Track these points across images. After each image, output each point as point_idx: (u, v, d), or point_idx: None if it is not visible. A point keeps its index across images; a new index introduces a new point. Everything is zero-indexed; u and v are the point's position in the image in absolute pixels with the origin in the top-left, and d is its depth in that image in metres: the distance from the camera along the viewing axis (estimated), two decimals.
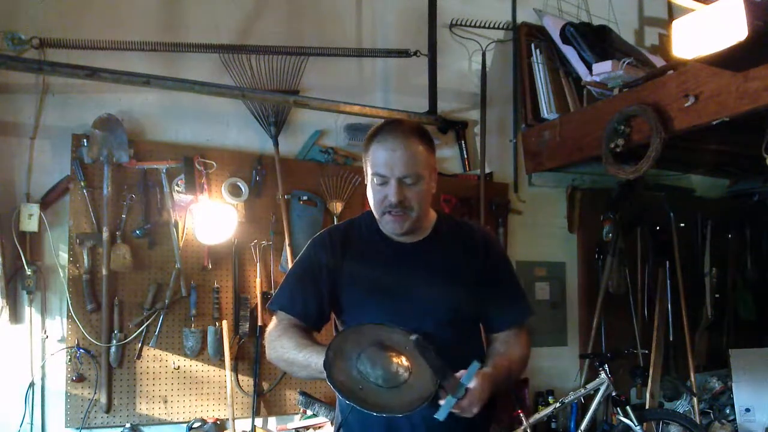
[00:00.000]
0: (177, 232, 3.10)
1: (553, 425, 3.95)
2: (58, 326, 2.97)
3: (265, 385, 3.30)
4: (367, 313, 1.69)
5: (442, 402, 1.51)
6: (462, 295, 1.74)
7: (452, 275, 1.75)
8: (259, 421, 3.27)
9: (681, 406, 4.23)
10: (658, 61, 4.01)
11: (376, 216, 1.73)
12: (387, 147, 1.65)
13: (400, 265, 1.74)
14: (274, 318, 1.78)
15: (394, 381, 1.51)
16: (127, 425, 3.00)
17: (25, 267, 2.88)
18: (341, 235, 1.79)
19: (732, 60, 2.44)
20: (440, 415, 1.49)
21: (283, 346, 1.66)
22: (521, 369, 1.80)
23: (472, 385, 1.52)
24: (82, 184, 2.98)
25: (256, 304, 3.27)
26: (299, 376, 1.67)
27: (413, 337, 1.51)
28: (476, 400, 1.53)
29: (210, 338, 3.15)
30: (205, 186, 3.20)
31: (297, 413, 3.34)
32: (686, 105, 2.98)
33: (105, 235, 2.96)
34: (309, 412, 3.29)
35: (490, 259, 1.82)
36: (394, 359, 1.54)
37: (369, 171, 1.70)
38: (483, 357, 1.74)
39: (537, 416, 3.61)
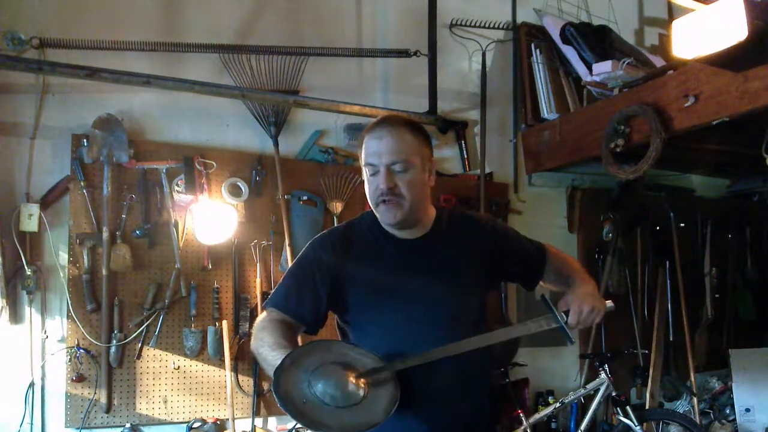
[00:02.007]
0: (177, 232, 3.10)
1: (553, 425, 3.95)
2: (58, 326, 2.97)
3: (265, 385, 3.29)
4: (371, 312, 1.70)
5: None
6: (462, 289, 1.75)
7: (456, 269, 1.75)
8: (259, 421, 3.27)
9: (681, 406, 4.23)
10: (658, 61, 4.01)
11: (373, 208, 1.74)
12: (374, 136, 1.68)
13: (402, 262, 1.73)
14: (264, 311, 1.77)
15: (343, 401, 1.46)
16: (127, 425, 3.00)
17: (25, 267, 2.88)
18: (341, 235, 1.79)
19: (732, 60, 2.44)
20: (568, 341, 1.71)
21: (262, 338, 1.65)
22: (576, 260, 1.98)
23: (573, 308, 1.68)
24: (82, 184, 2.98)
25: (256, 304, 3.27)
26: (268, 374, 1.63)
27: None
28: (578, 311, 1.68)
29: (210, 338, 3.15)
30: (205, 186, 3.20)
31: None
32: (686, 105, 2.98)
33: (105, 235, 2.96)
34: None
35: (501, 240, 1.85)
36: (351, 380, 1.49)
37: (362, 164, 1.73)
38: (487, 350, 1.76)
39: (537, 416, 3.61)
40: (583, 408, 3.84)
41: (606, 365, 3.55)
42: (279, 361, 1.50)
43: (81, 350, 2.94)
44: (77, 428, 2.92)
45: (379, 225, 1.76)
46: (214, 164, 3.24)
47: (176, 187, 3.13)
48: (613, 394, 3.49)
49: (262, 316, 1.75)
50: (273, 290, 1.82)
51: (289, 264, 3.26)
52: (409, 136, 1.69)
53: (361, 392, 1.48)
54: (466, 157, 3.96)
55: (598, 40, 3.93)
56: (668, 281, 4.32)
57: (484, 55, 4.03)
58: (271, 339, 1.62)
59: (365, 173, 1.71)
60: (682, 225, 4.45)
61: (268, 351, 1.59)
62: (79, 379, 2.93)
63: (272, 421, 3.32)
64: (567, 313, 1.67)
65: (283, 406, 1.44)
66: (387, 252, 1.75)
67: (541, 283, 1.93)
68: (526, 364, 3.83)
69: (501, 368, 3.62)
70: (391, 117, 1.80)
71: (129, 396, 3.03)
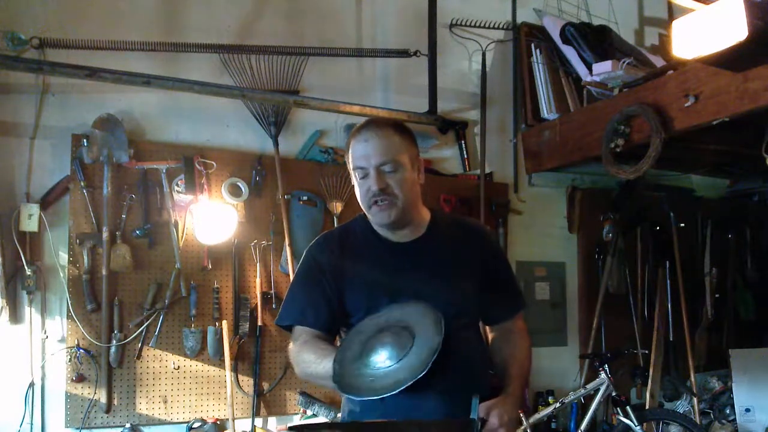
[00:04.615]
0: (177, 232, 3.10)
1: (553, 425, 3.95)
2: (58, 326, 2.97)
3: (265, 385, 3.30)
4: (366, 314, 1.69)
5: None
6: (460, 291, 1.75)
7: (450, 272, 1.75)
8: (259, 421, 3.27)
9: (681, 406, 4.23)
10: (658, 61, 4.01)
11: (366, 211, 1.74)
12: (361, 139, 1.69)
13: (397, 265, 1.74)
14: (292, 334, 1.79)
15: (400, 353, 1.51)
16: (127, 425, 3.00)
17: (25, 267, 2.88)
18: (337, 239, 1.81)
19: (732, 60, 2.43)
20: None
21: (304, 360, 1.67)
22: (530, 359, 1.89)
23: (491, 421, 1.59)
24: (82, 184, 2.97)
25: (256, 304, 3.27)
26: (327, 387, 1.68)
27: None
28: (497, 426, 1.60)
29: (210, 338, 3.15)
30: (205, 186, 3.20)
31: (297, 413, 3.34)
32: (686, 105, 2.98)
33: (105, 235, 2.96)
34: (309, 413, 3.29)
35: (487, 253, 1.85)
36: (392, 334, 1.54)
37: (351, 168, 1.73)
38: (485, 351, 1.78)
39: (537, 416, 3.60)
40: (583, 408, 3.84)
41: (606, 365, 3.55)
42: (328, 370, 1.55)
43: (81, 350, 2.94)
44: (77, 428, 2.92)
45: (372, 228, 1.77)
46: (214, 164, 3.24)
47: (176, 187, 3.13)
48: (613, 394, 3.49)
49: (291, 344, 1.76)
50: (282, 305, 1.83)
51: (290, 264, 3.27)
52: (396, 136, 1.69)
53: (403, 339, 1.53)
54: (466, 157, 3.95)
55: (598, 40, 3.93)
56: (668, 281, 4.32)
57: (484, 55, 4.03)
58: (312, 356, 1.65)
59: (355, 178, 1.71)
60: (682, 225, 4.44)
61: (316, 366, 1.62)
62: (79, 379, 2.93)
63: (272, 421, 3.32)
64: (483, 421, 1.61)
65: (359, 396, 1.51)
66: (382, 255, 1.76)
67: (490, 332, 1.91)
68: None
69: None
70: (375, 119, 1.82)
71: (129, 396, 3.03)
